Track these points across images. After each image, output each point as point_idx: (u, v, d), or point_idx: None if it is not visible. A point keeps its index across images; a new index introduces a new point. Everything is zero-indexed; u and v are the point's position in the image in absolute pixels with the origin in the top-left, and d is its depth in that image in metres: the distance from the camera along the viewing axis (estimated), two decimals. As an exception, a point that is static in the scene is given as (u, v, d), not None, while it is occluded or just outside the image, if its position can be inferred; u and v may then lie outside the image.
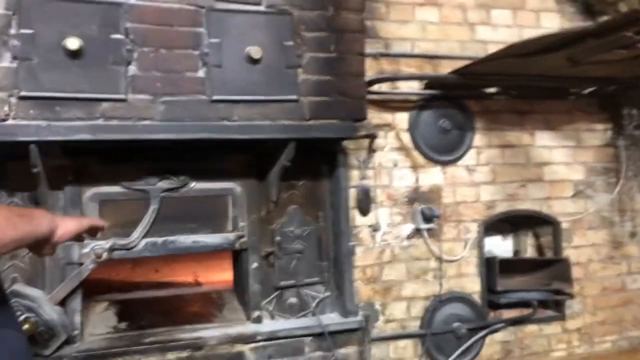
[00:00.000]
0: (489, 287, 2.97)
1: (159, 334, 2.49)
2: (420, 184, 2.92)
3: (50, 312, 2.22)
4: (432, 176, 2.95)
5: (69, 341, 2.30)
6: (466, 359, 2.92)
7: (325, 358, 2.66)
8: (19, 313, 2.16)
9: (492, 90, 3.05)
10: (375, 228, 2.82)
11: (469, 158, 3.02)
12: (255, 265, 2.64)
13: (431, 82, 2.93)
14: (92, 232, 1.51)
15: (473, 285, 2.97)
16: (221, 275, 3.42)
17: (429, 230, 2.88)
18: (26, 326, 2.14)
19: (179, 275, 3.56)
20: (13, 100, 2.04)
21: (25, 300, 2.21)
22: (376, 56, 2.85)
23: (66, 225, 1.37)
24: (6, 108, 2.04)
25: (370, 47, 2.76)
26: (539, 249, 3.28)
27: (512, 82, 2.93)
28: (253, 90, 2.34)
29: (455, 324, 2.88)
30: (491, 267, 2.96)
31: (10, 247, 1.21)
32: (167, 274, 3.60)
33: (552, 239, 3.18)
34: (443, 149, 2.96)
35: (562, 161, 3.22)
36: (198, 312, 2.74)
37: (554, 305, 3.19)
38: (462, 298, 2.92)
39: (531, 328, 3.11)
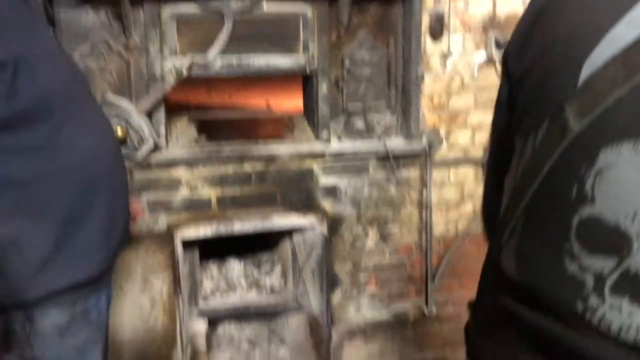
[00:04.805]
0: (557, 120, 2.95)
1: (236, 147, 2.70)
2: (497, 11, 2.80)
3: (139, 120, 2.43)
4: (510, 2, 2.81)
5: (155, 149, 2.55)
6: (525, 188, 3.01)
7: (387, 179, 2.83)
8: (112, 120, 2.39)
9: None
10: (446, 55, 2.79)
11: (553, -16, 2.83)
12: (324, 89, 2.72)
13: None
14: None
15: (541, 118, 2.96)
16: (291, 102, 3.56)
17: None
18: (119, 132, 2.38)
19: (252, 100, 3.73)
20: None
21: (115, 109, 2.42)
22: None
23: None
24: None
25: None
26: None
27: None
28: None
29: (518, 154, 2.93)
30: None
31: None
32: (241, 99, 3.78)
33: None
34: (525, -27, 2.78)
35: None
36: (271, 131, 2.91)
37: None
38: (528, 129, 2.93)
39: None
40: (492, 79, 2.86)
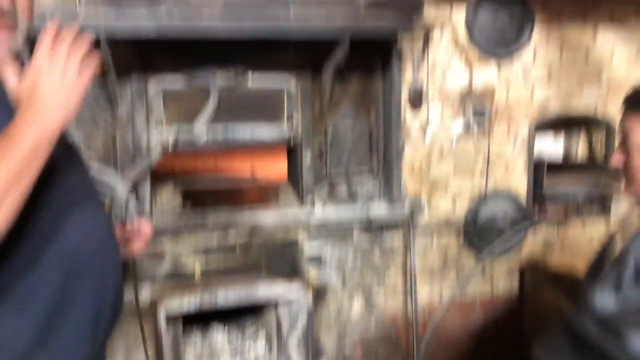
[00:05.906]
0: (535, 188, 3.02)
1: (221, 216, 2.71)
2: (474, 81, 2.91)
3: (124, 195, 2.43)
4: (486, 74, 2.92)
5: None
6: (507, 255, 3.05)
7: (371, 246, 2.85)
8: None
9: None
10: (425, 125, 2.87)
11: (526, 55, 2.96)
12: (308, 158, 2.78)
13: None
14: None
15: (519, 184, 3.03)
16: (276, 167, 3.60)
17: (479, 128, 2.91)
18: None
19: (237, 168, 3.76)
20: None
21: (100, 183, 2.43)
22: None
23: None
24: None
25: None
26: (591, 149, 3.26)
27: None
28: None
29: (499, 221, 2.98)
30: (539, 170, 2.99)
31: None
32: (226, 166, 3.81)
33: (605, 141, 3.15)
34: (499, 45, 2.89)
35: (624, 59, 3.10)
36: (256, 198, 2.93)
37: (600, 202, 3.21)
38: (507, 196, 2.99)
39: (574, 231, 3.18)
40: (470, 147, 2.93)
